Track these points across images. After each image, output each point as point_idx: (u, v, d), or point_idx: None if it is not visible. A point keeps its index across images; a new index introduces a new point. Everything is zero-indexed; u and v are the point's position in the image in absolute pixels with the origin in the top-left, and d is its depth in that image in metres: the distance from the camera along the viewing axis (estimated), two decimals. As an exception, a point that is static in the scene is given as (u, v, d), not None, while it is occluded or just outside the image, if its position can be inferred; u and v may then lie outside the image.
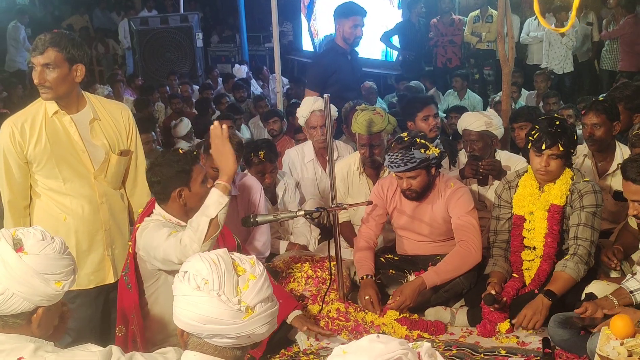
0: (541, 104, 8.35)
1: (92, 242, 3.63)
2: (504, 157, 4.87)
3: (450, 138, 6.30)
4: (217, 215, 3.15)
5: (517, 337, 3.74)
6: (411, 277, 4.09)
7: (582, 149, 4.77)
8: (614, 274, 4.01)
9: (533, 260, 4.00)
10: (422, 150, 4.04)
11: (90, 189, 3.59)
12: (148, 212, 3.48)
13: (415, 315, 3.99)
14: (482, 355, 3.59)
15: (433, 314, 4.03)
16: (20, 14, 13.42)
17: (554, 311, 3.66)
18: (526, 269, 4.01)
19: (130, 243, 3.50)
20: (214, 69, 12.62)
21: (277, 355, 3.67)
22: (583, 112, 4.65)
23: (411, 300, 3.91)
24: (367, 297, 4.00)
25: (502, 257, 4.09)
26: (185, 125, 7.85)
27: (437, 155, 4.12)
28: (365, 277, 4.14)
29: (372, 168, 4.86)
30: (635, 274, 3.50)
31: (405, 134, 4.15)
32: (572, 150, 3.88)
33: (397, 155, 4.03)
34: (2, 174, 3.54)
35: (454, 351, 3.63)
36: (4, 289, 2.13)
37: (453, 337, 3.85)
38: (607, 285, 3.69)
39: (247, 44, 14.72)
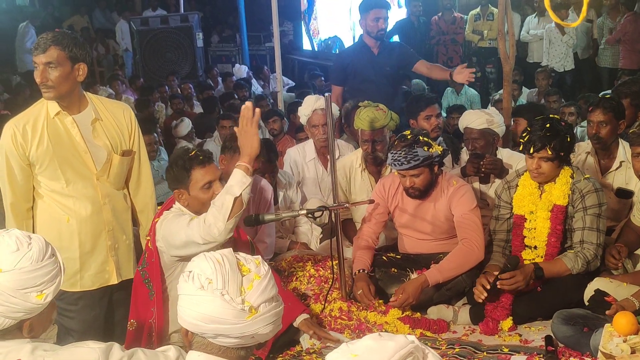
0: (542, 102, 8.36)
1: (96, 243, 3.62)
2: (505, 155, 4.88)
3: (451, 135, 6.30)
4: (241, 194, 3.21)
5: (520, 335, 3.75)
6: (413, 276, 4.08)
7: (585, 146, 4.77)
8: (616, 271, 4.00)
9: (534, 259, 3.99)
10: (425, 148, 4.04)
11: (92, 190, 3.58)
12: (168, 206, 3.55)
13: (418, 314, 3.99)
14: (484, 353, 3.59)
15: (435, 312, 4.03)
16: (33, 16, 13.46)
17: (557, 308, 3.66)
18: (527, 268, 4.01)
19: (149, 237, 3.54)
20: (213, 69, 12.63)
21: (281, 355, 3.67)
22: (590, 108, 4.62)
23: (414, 298, 3.91)
24: (359, 292, 4.01)
25: (500, 253, 4.11)
26: (186, 125, 7.84)
27: (440, 153, 4.12)
28: (358, 271, 4.15)
29: (375, 165, 4.86)
30: None
31: (408, 132, 4.15)
32: (562, 154, 3.85)
33: (400, 153, 4.03)
34: (4, 176, 3.52)
35: (457, 349, 3.62)
36: None
37: (456, 335, 3.85)
38: (610, 282, 3.70)
39: (247, 43, 14.72)
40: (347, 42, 14.17)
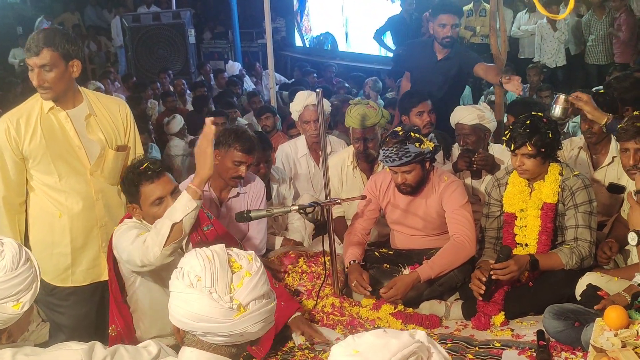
0: (534, 97, 8.38)
1: (88, 239, 3.62)
2: (497, 150, 4.89)
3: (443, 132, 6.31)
4: (181, 220, 3.07)
5: (512, 330, 3.76)
6: (405, 271, 4.09)
7: (578, 141, 4.78)
8: (607, 266, 4.02)
9: (525, 257, 4.01)
10: (417, 145, 4.04)
11: (85, 185, 3.57)
12: (129, 215, 3.47)
13: (410, 309, 4.00)
14: (476, 348, 3.60)
15: (428, 307, 4.03)
16: (48, 12, 13.46)
17: (548, 303, 3.68)
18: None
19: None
20: (205, 65, 12.61)
21: (273, 352, 3.66)
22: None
23: (402, 295, 3.91)
24: (353, 283, 4.02)
25: (492, 249, 4.13)
26: (178, 122, 7.84)
27: (431, 149, 4.12)
28: (350, 263, 4.15)
29: (367, 162, 4.86)
30: None
31: (399, 128, 4.15)
32: (543, 150, 3.85)
33: (391, 150, 4.03)
34: None
35: (449, 345, 3.63)
36: None
37: (448, 330, 3.86)
38: (601, 277, 3.72)
39: (239, 40, 14.70)
40: (340, 39, 14.18)
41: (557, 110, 4.07)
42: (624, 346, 2.86)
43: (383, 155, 4.09)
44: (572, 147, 4.72)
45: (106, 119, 3.60)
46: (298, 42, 15.54)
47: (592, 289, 3.66)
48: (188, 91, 10.58)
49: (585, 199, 3.90)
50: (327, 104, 5.46)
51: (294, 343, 3.71)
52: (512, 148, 3.89)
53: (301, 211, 3.81)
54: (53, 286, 3.65)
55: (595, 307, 3.30)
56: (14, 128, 3.44)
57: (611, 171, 4.53)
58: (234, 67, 12.76)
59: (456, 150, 5.07)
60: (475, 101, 8.78)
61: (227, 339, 1.99)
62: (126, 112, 3.70)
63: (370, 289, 3.99)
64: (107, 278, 3.66)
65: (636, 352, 2.81)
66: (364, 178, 4.87)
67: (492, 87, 7.69)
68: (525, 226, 4.02)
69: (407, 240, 4.42)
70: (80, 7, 15.84)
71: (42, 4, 15.85)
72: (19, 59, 12.91)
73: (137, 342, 3.42)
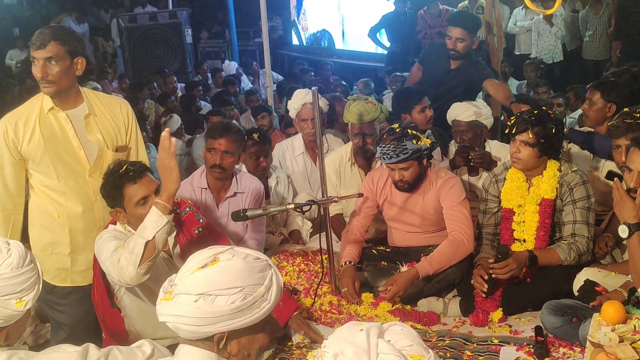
0: (531, 93, 8.38)
1: (87, 240, 3.61)
2: (494, 147, 4.90)
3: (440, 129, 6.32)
4: (154, 237, 3.03)
5: (510, 326, 3.76)
6: (403, 269, 4.09)
7: None
8: (604, 261, 4.03)
9: (523, 252, 4.01)
10: (414, 141, 4.04)
11: (85, 186, 3.57)
12: (114, 220, 3.44)
13: (408, 307, 4.00)
14: (475, 344, 3.59)
15: (426, 304, 4.04)
16: (45, 13, 13.51)
17: (546, 299, 3.68)
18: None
19: None
20: (203, 64, 12.60)
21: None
22: (588, 95, 4.65)
23: (404, 290, 3.91)
24: (344, 290, 4.01)
25: (489, 246, 4.13)
26: (175, 122, 7.83)
27: (428, 146, 4.12)
28: (345, 263, 4.14)
29: (365, 158, 4.86)
30: None
31: (396, 126, 4.15)
32: (542, 141, 3.85)
33: (389, 147, 4.03)
34: None
35: (447, 341, 3.62)
36: None
37: (446, 327, 3.86)
38: (598, 272, 3.73)
39: (236, 39, 14.69)
40: (336, 36, 14.19)
41: None
42: (621, 341, 2.87)
43: (380, 152, 4.09)
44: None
45: (107, 118, 3.60)
46: (295, 41, 15.54)
47: (589, 284, 3.67)
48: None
49: (584, 194, 3.91)
50: (324, 102, 5.46)
51: (293, 341, 3.71)
52: (514, 132, 3.89)
53: (297, 209, 3.80)
54: (53, 285, 3.66)
55: (591, 303, 3.30)
56: (12, 129, 3.45)
57: (611, 161, 4.52)
58: (231, 66, 12.76)
59: (453, 147, 5.08)
60: (473, 97, 8.80)
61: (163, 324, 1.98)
62: (127, 112, 3.71)
63: (359, 299, 3.98)
64: (107, 278, 3.67)
65: (633, 347, 2.82)
66: (362, 175, 4.87)
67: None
68: (524, 222, 4.02)
69: (404, 237, 4.42)
70: (77, 8, 15.82)
71: (38, 5, 15.84)
72: (16, 61, 12.89)
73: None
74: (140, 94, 9.71)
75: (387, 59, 11.16)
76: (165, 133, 3.12)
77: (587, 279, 3.70)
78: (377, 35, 11.36)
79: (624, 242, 3.77)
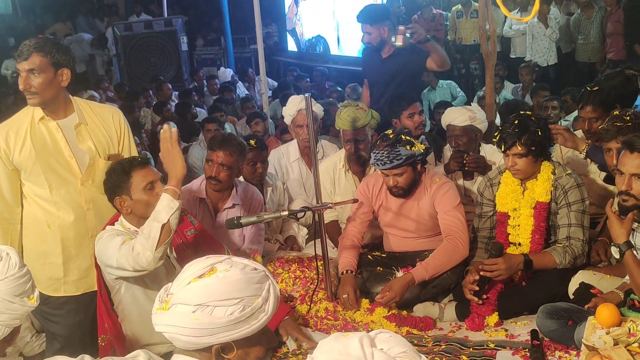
0: (528, 97, 8.41)
1: (79, 249, 3.62)
2: (488, 151, 4.89)
3: (434, 133, 6.33)
4: (168, 220, 3.10)
5: (506, 330, 3.76)
6: (399, 274, 4.09)
7: None
8: (600, 264, 4.03)
9: (518, 256, 4.01)
10: (408, 147, 4.05)
11: (77, 196, 3.57)
12: (112, 221, 3.47)
13: (404, 312, 3.99)
14: (471, 349, 3.59)
15: (422, 309, 4.03)
16: (40, 22, 13.58)
17: (542, 302, 3.68)
18: (512, 264, 4.02)
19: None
20: (199, 72, 12.61)
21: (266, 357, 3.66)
22: (580, 105, 4.62)
23: (400, 295, 3.91)
24: (345, 296, 4.00)
25: (484, 250, 4.13)
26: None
27: (422, 151, 4.13)
28: (345, 272, 4.14)
29: (358, 164, 4.86)
30: None
31: (390, 131, 4.16)
32: (533, 148, 3.85)
33: (382, 153, 4.04)
34: None
35: (443, 346, 3.63)
36: None
37: (442, 332, 3.85)
38: (593, 275, 3.73)
39: (232, 46, 14.71)
40: (332, 42, 14.19)
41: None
42: (616, 344, 2.87)
43: (374, 159, 4.10)
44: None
45: (98, 127, 3.61)
46: (291, 47, 15.54)
47: (585, 287, 3.67)
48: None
49: (578, 197, 3.91)
50: (319, 109, 5.47)
51: (288, 348, 3.70)
52: (503, 149, 3.91)
53: (292, 216, 3.80)
54: (47, 295, 3.65)
55: (586, 306, 3.31)
56: (4, 140, 3.47)
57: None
58: (226, 73, 12.77)
59: (447, 151, 5.08)
60: (468, 101, 8.82)
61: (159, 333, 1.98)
62: (120, 120, 3.71)
63: (358, 307, 3.98)
64: (99, 288, 3.66)
65: (628, 350, 2.82)
66: (356, 181, 4.87)
67: (484, 87, 7.69)
68: (519, 225, 4.03)
69: (400, 243, 4.42)
70: (72, 16, 15.84)
71: (33, 15, 15.85)
72: (11, 70, 12.88)
73: (128, 350, 3.43)
74: (136, 103, 9.70)
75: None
76: (165, 126, 3.26)
77: (583, 282, 3.70)
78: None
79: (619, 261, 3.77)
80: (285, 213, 3.77)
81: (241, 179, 4.91)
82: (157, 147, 8.00)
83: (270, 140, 6.85)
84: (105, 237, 3.31)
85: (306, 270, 4.35)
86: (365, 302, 4.02)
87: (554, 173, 3.95)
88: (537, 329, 3.58)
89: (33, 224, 3.59)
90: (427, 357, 3.26)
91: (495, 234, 4.14)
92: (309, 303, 4.01)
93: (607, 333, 2.94)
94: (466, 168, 4.71)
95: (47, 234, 3.57)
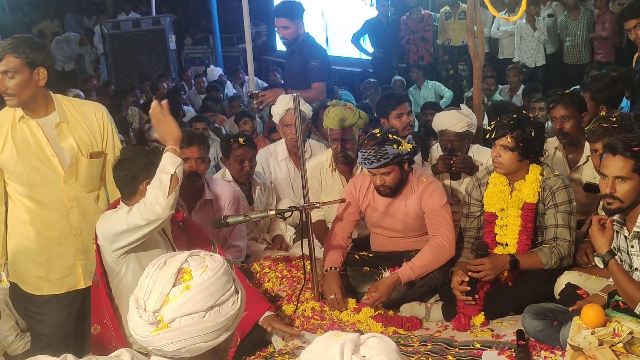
0: (515, 98, 8.43)
1: (62, 247, 3.59)
2: (475, 151, 4.90)
3: (422, 133, 6.33)
4: (175, 171, 3.24)
5: (492, 330, 3.77)
6: (386, 274, 4.09)
7: (553, 141, 4.80)
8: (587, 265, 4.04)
9: (505, 256, 4.02)
10: (395, 146, 4.05)
11: (60, 194, 3.54)
12: (113, 207, 3.51)
13: (391, 312, 4.00)
14: (457, 349, 3.60)
15: (408, 309, 4.04)
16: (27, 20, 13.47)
17: (528, 302, 3.69)
18: (499, 264, 4.03)
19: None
20: (187, 71, 12.57)
21: (253, 356, 3.65)
22: (551, 105, 4.68)
23: (386, 296, 3.92)
24: (332, 296, 4.00)
25: (470, 250, 4.13)
26: (158, 128, 7.78)
27: (409, 150, 4.13)
28: (329, 269, 4.14)
29: (345, 164, 4.86)
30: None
31: (377, 131, 4.16)
32: (522, 145, 3.86)
33: (370, 152, 4.04)
34: None
35: (429, 346, 3.63)
36: None
37: (428, 332, 3.86)
38: (579, 276, 3.75)
39: (220, 45, 14.67)
40: (320, 41, 14.18)
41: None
42: (601, 344, 2.88)
43: (361, 157, 4.10)
44: (548, 147, 4.73)
45: (80, 125, 3.57)
46: (279, 47, 15.52)
47: (570, 287, 3.69)
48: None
49: (565, 198, 3.93)
50: (308, 108, 5.46)
51: (274, 348, 3.69)
52: (493, 137, 3.92)
53: (279, 216, 3.80)
54: (30, 294, 3.63)
55: (571, 308, 3.32)
56: None
57: (587, 170, 4.56)
58: (214, 72, 12.72)
59: (435, 151, 5.08)
60: (456, 99, 8.88)
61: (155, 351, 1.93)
62: (102, 117, 3.67)
63: (344, 308, 3.98)
64: (83, 287, 3.64)
65: (613, 350, 2.84)
66: (343, 180, 4.87)
67: (472, 88, 7.71)
68: (506, 225, 4.04)
69: (387, 243, 4.42)
70: (60, 14, 15.75)
71: (20, 12, 15.75)
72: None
73: (124, 336, 3.43)
74: (123, 101, 9.66)
75: (371, 64, 11.19)
76: (155, 102, 3.40)
77: (568, 283, 3.72)
78: (361, 40, 11.39)
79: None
80: (273, 212, 3.76)
81: (227, 173, 4.91)
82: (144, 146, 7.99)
83: (258, 139, 6.83)
84: (109, 213, 3.42)
85: (293, 269, 4.35)
86: (352, 302, 4.02)
87: (542, 174, 3.96)
88: (523, 329, 3.59)
89: (17, 223, 3.56)
90: (413, 358, 3.27)
91: (482, 234, 4.15)
92: (295, 303, 4.01)
93: (592, 333, 2.95)
94: (454, 169, 4.71)
95: (30, 232, 3.54)
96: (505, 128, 3.87)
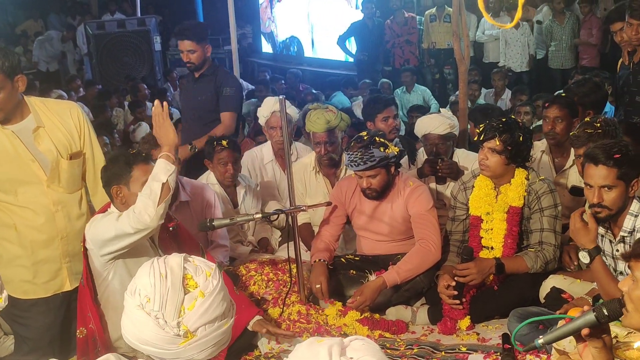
0: (500, 102, 8.46)
1: (49, 251, 3.55)
2: (461, 155, 4.92)
3: (408, 136, 6.34)
4: (167, 180, 3.23)
5: (478, 334, 3.78)
6: (372, 277, 4.09)
7: (540, 145, 4.83)
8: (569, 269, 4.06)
9: (491, 260, 4.03)
10: (382, 149, 4.06)
11: (44, 198, 3.49)
12: (103, 210, 3.49)
13: (377, 315, 4.00)
14: (443, 353, 3.61)
15: (394, 313, 4.04)
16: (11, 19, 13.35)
17: (513, 306, 3.71)
18: (484, 268, 4.04)
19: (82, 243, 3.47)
20: (172, 72, 12.51)
21: (238, 360, 3.65)
22: (546, 104, 4.69)
23: (371, 300, 3.92)
24: (317, 286, 4.01)
25: (456, 253, 4.14)
26: (143, 130, 7.78)
27: (396, 153, 4.14)
28: (317, 260, 4.14)
29: (329, 167, 4.85)
30: None
31: (364, 133, 4.17)
32: (510, 148, 3.88)
33: (356, 154, 4.04)
34: None
35: (415, 350, 3.64)
36: None
37: (414, 335, 3.87)
38: (564, 280, 3.76)
39: (206, 47, 14.59)
40: (306, 44, 14.20)
41: None
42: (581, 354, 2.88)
43: (348, 160, 4.10)
44: (535, 151, 4.75)
45: (57, 126, 3.49)
46: (265, 48, 15.52)
47: (556, 291, 3.70)
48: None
49: (551, 203, 3.95)
50: (294, 111, 5.45)
51: (260, 352, 3.68)
52: (481, 139, 3.92)
53: (265, 219, 3.79)
54: (15, 298, 3.59)
55: (558, 312, 3.33)
56: None
57: (573, 174, 4.58)
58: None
59: (421, 155, 5.09)
60: (440, 103, 8.91)
61: None
62: (78, 116, 3.58)
63: (328, 300, 3.98)
64: (69, 288, 3.60)
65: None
66: (327, 183, 4.87)
67: (457, 92, 7.74)
68: (491, 229, 4.05)
69: (373, 246, 4.42)
70: (44, 14, 15.64)
71: (4, 12, 15.63)
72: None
73: (109, 342, 3.41)
74: (108, 102, 9.60)
75: (356, 67, 11.21)
76: (157, 101, 3.44)
77: (554, 287, 3.74)
78: (347, 43, 11.41)
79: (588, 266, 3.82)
80: (259, 215, 3.76)
81: (211, 176, 4.88)
82: (130, 147, 7.98)
83: (244, 142, 6.82)
84: (99, 218, 3.40)
85: (279, 272, 4.33)
86: (337, 305, 4.01)
87: (527, 178, 3.98)
88: (508, 332, 3.60)
89: (1, 229, 3.52)
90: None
91: (468, 237, 4.16)
92: (281, 306, 4.00)
93: (578, 337, 2.95)
94: (439, 174, 4.73)
95: (15, 237, 3.49)
96: (494, 131, 3.88)
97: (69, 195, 3.57)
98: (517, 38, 9.80)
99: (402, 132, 6.92)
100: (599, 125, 3.91)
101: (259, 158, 5.41)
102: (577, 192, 4.40)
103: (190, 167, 5.22)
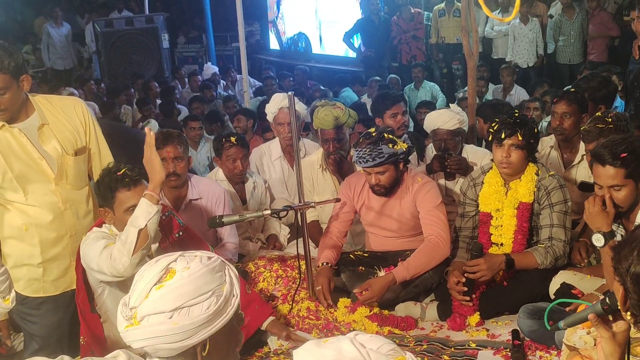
0: (510, 98, 8.43)
1: (59, 249, 3.56)
2: (470, 151, 4.90)
3: (417, 132, 6.33)
4: (146, 226, 3.09)
5: (487, 330, 3.77)
6: (381, 273, 4.08)
7: (549, 140, 4.81)
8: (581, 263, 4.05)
9: (500, 256, 4.02)
10: (390, 145, 4.05)
11: (53, 196, 3.49)
12: (99, 223, 3.44)
13: (386, 311, 3.99)
14: (452, 349, 3.60)
15: (403, 309, 4.03)
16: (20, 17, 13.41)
17: (523, 302, 3.69)
18: (494, 264, 4.03)
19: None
20: (180, 69, 12.53)
21: (248, 357, 3.64)
22: (555, 100, 4.67)
23: (378, 296, 3.91)
24: (318, 288, 4.01)
25: (465, 249, 4.13)
26: (153, 127, 7.77)
27: (405, 150, 4.13)
28: (322, 264, 4.14)
29: (336, 163, 4.84)
30: None
31: (373, 130, 4.16)
32: (532, 141, 3.89)
33: (365, 151, 4.03)
34: None
35: (425, 346, 3.63)
36: None
37: (424, 332, 3.86)
38: (574, 275, 3.75)
39: (214, 44, 14.64)
40: (314, 40, 14.19)
41: None
42: (596, 344, 2.87)
43: (357, 156, 4.09)
44: (543, 146, 4.75)
45: (62, 123, 3.49)
46: (273, 45, 15.51)
47: (565, 287, 3.69)
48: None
49: (561, 198, 3.93)
50: (302, 107, 5.44)
51: (269, 348, 3.69)
52: (503, 136, 3.89)
53: (274, 215, 3.78)
54: (24, 296, 3.60)
55: (567, 309, 3.32)
56: None
57: (582, 169, 4.57)
58: (210, 69, 12.67)
59: (430, 151, 5.07)
60: (449, 103, 8.86)
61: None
62: (82, 111, 3.58)
63: (330, 302, 3.98)
64: (79, 286, 3.61)
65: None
66: (335, 180, 4.86)
67: (464, 88, 7.72)
68: (501, 225, 4.04)
69: (382, 242, 4.42)
70: (53, 13, 15.65)
71: (13, 11, 15.67)
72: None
73: (109, 351, 3.39)
74: (116, 100, 9.62)
75: (362, 63, 11.19)
76: (146, 130, 3.27)
77: (564, 282, 3.72)
78: (354, 39, 11.39)
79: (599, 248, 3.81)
80: (268, 212, 3.75)
81: (220, 172, 4.88)
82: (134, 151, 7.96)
83: (253, 139, 6.82)
84: (90, 239, 3.30)
85: (288, 269, 4.33)
86: (346, 301, 4.01)
87: (537, 174, 3.97)
88: (518, 328, 3.60)
89: (11, 229, 3.51)
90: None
91: (477, 233, 4.15)
92: (290, 302, 4.00)
93: (588, 333, 2.94)
94: (448, 170, 4.71)
95: (24, 236, 3.50)
96: (514, 126, 3.87)
97: (77, 193, 3.58)
98: (525, 34, 9.77)
99: (411, 129, 6.91)
100: (610, 120, 3.89)
101: (267, 155, 5.42)
102: (586, 187, 4.39)
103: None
